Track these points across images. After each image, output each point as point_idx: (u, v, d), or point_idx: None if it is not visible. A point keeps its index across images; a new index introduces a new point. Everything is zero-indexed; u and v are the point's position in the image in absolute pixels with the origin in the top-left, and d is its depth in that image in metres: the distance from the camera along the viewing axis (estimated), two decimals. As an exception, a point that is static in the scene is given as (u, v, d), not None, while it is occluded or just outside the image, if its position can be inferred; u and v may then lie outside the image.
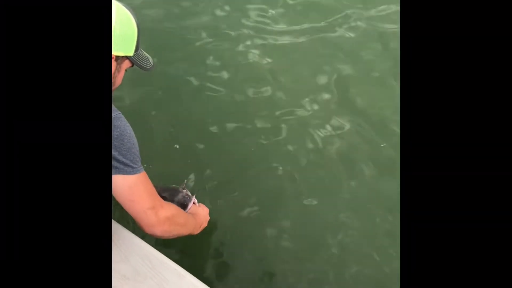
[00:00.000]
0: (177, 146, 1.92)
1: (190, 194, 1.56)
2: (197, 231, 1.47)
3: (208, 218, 1.57)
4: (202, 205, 1.60)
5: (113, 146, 1.05)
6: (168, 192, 1.53)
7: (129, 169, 1.10)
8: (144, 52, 1.32)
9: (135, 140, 1.13)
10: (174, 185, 1.61)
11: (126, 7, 1.21)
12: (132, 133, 1.12)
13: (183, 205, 1.49)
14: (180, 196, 1.53)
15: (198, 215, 1.50)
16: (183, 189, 1.57)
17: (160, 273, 1.23)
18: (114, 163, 1.07)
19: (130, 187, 1.13)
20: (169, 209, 1.26)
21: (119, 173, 1.10)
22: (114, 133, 1.05)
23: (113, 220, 1.32)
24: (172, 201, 1.47)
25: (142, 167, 1.16)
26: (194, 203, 1.54)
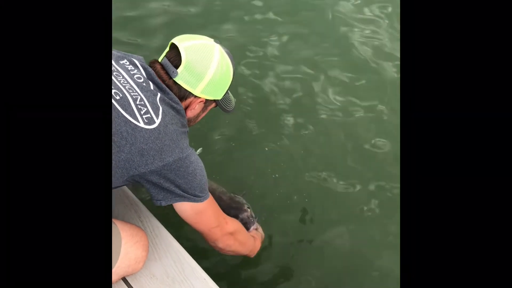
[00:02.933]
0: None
1: (253, 216, 1.54)
2: (253, 254, 1.45)
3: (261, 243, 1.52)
4: (260, 229, 1.56)
5: (186, 180, 1.08)
6: (234, 209, 1.53)
7: (197, 198, 1.13)
8: (230, 94, 1.34)
9: (204, 172, 1.15)
10: (239, 199, 1.60)
11: (228, 54, 1.23)
12: (203, 165, 1.14)
13: (245, 225, 1.48)
14: (244, 215, 1.52)
15: (257, 239, 1.48)
16: (248, 208, 1.56)
17: (189, 279, 1.21)
18: (184, 194, 1.10)
19: (197, 213, 1.16)
20: (233, 225, 1.30)
21: (188, 201, 1.12)
22: (189, 169, 1.08)
23: (154, 218, 1.34)
24: (236, 217, 1.48)
25: (208, 192, 1.18)
26: (255, 228, 1.52)
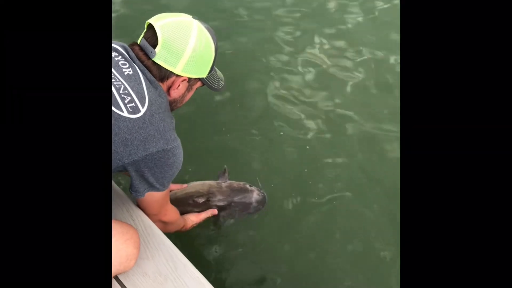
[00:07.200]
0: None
1: (260, 193, 1.62)
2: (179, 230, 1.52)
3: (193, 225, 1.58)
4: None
5: (162, 170, 1.11)
6: (239, 196, 1.61)
7: (161, 188, 1.19)
8: (218, 71, 1.31)
9: (180, 166, 1.18)
10: (244, 183, 1.65)
11: (208, 30, 1.18)
12: (182, 159, 1.17)
13: (260, 204, 1.60)
14: (255, 194, 1.61)
15: (187, 219, 1.53)
16: (251, 186, 1.63)
17: (181, 277, 1.20)
18: (154, 183, 1.14)
19: (151, 199, 1.23)
20: (170, 217, 1.39)
21: (154, 190, 1.19)
22: (170, 161, 1.10)
23: (146, 216, 1.33)
24: (239, 203, 1.59)
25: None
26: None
